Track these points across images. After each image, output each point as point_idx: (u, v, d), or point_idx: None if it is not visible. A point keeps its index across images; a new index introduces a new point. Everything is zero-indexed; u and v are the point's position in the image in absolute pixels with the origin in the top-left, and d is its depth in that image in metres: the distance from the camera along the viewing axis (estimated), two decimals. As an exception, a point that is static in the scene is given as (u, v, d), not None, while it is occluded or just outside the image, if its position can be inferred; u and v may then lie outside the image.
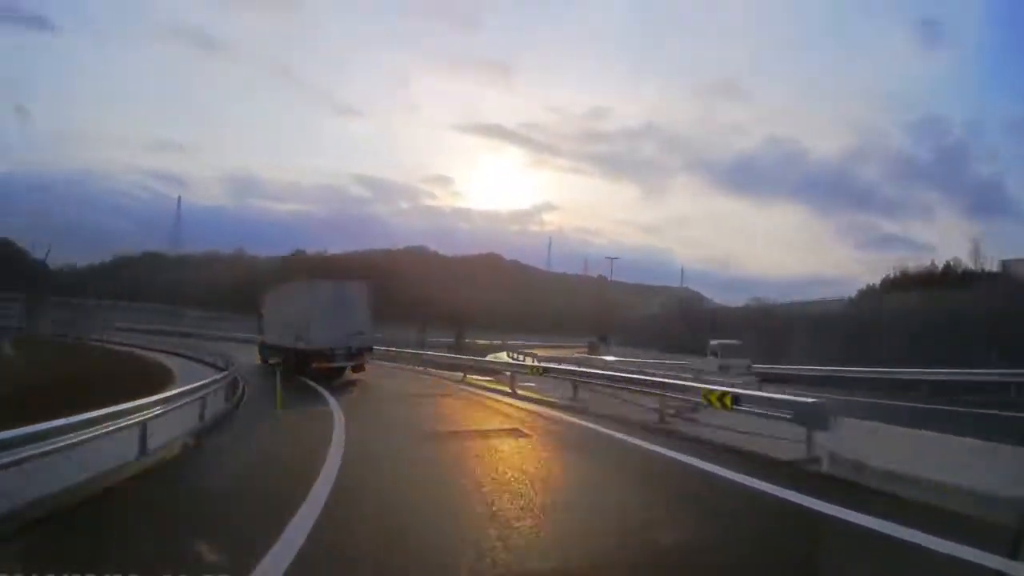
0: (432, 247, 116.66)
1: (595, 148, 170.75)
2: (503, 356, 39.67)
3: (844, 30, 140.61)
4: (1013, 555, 3.53)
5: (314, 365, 19.24)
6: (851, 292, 38.97)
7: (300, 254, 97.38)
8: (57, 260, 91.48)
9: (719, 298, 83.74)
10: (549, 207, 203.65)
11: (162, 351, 31.21)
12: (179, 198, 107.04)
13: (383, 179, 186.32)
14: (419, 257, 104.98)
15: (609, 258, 62.83)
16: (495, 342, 53.92)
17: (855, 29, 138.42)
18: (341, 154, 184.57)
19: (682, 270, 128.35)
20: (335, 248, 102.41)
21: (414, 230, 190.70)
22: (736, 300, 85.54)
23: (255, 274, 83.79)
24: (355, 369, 20.50)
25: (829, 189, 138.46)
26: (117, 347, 35.43)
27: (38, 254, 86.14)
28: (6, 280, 66.48)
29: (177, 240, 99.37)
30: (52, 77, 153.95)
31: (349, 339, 20.00)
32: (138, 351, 32.18)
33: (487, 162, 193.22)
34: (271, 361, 21.15)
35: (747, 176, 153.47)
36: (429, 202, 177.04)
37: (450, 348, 43.58)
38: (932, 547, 4.12)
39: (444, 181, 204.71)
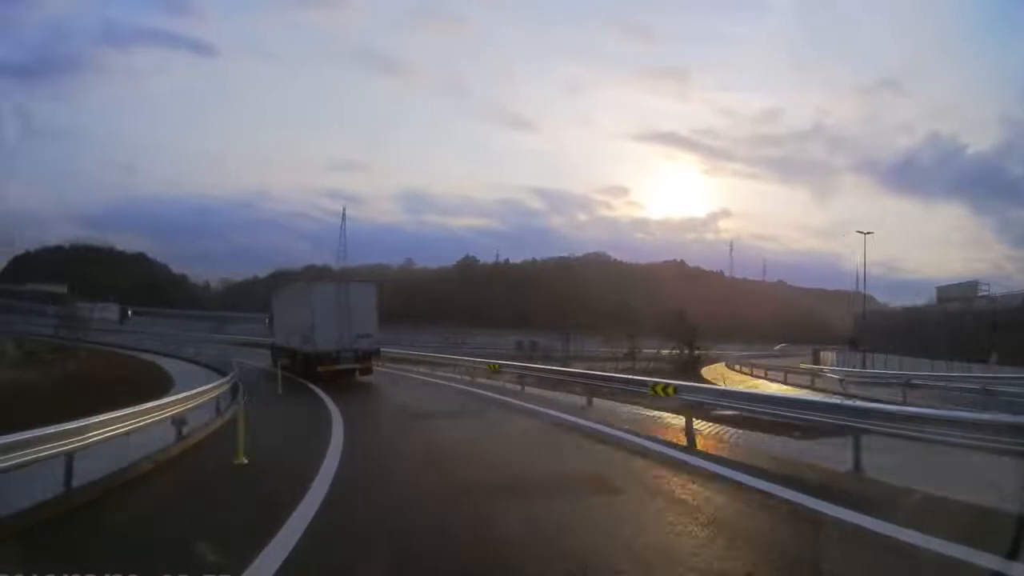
0: (612, 255, 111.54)
1: (767, 152, 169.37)
2: (721, 370, 32.11)
3: (999, 20, 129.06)
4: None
5: (320, 368, 18.89)
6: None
7: (471, 260, 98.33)
8: (213, 276, 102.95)
9: (887, 300, 75.85)
10: (725, 213, 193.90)
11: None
12: (344, 209, 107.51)
13: (558, 191, 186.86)
14: (600, 265, 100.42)
15: (861, 232, 50.18)
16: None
17: (1009, 18, 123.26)
18: (515, 167, 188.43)
19: (858, 273, 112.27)
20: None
21: (591, 241, 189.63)
22: (902, 301, 72.78)
23: (424, 284, 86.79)
24: (362, 372, 20.03)
25: (985, 185, 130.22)
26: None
27: (188, 272, 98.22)
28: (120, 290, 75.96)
29: (343, 253, 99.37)
30: (223, 103, 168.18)
31: (355, 342, 19.63)
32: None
33: (662, 170, 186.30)
34: (281, 363, 21.11)
35: (909, 175, 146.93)
36: (606, 212, 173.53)
37: (679, 366, 33.10)
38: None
39: (620, 191, 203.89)
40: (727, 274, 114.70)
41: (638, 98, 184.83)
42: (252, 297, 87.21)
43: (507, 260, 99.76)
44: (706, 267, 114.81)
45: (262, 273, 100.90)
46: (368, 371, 20.30)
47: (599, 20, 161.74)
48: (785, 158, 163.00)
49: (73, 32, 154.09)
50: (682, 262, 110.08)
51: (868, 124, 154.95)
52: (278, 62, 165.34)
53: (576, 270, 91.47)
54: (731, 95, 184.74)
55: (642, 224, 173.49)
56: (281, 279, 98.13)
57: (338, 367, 19.25)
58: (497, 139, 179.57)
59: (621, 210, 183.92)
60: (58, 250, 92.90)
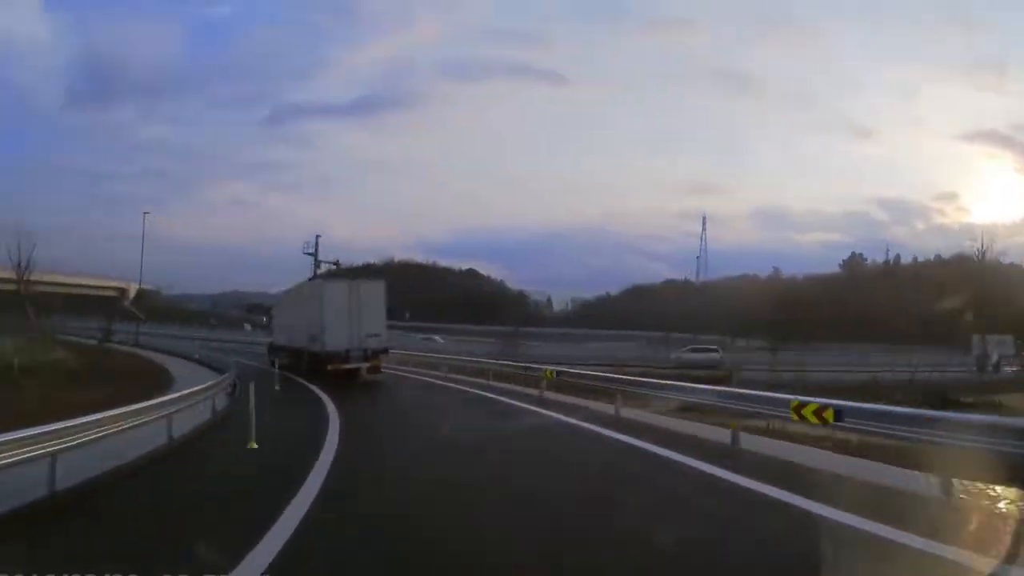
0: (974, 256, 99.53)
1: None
2: None
3: None
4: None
5: (329, 367, 18.85)
6: None
7: (858, 259, 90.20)
8: (563, 295, 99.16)
9: None
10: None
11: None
12: (703, 220, 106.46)
13: (898, 200, 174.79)
14: (965, 267, 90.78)
15: None
16: None
17: None
18: (859, 178, 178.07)
19: None
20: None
21: (930, 250, 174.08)
22: None
23: (798, 292, 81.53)
24: (370, 371, 19.81)
25: None
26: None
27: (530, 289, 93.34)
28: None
29: (704, 268, 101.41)
30: (571, 130, 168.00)
31: (365, 341, 19.48)
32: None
33: (985, 170, 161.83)
34: (282, 362, 21.11)
35: None
36: (940, 219, 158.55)
37: None
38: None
39: (950, 196, 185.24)
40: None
41: (962, 96, 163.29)
42: (603, 315, 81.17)
43: (898, 257, 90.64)
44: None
45: (614, 291, 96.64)
46: (377, 370, 19.96)
47: (926, 17, 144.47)
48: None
49: (420, 68, 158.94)
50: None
51: None
52: (626, 87, 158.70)
53: (952, 272, 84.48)
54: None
55: (969, 229, 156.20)
56: (638, 294, 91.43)
57: (347, 366, 19.13)
58: (841, 150, 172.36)
59: (952, 216, 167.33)
60: (365, 268, 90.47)
